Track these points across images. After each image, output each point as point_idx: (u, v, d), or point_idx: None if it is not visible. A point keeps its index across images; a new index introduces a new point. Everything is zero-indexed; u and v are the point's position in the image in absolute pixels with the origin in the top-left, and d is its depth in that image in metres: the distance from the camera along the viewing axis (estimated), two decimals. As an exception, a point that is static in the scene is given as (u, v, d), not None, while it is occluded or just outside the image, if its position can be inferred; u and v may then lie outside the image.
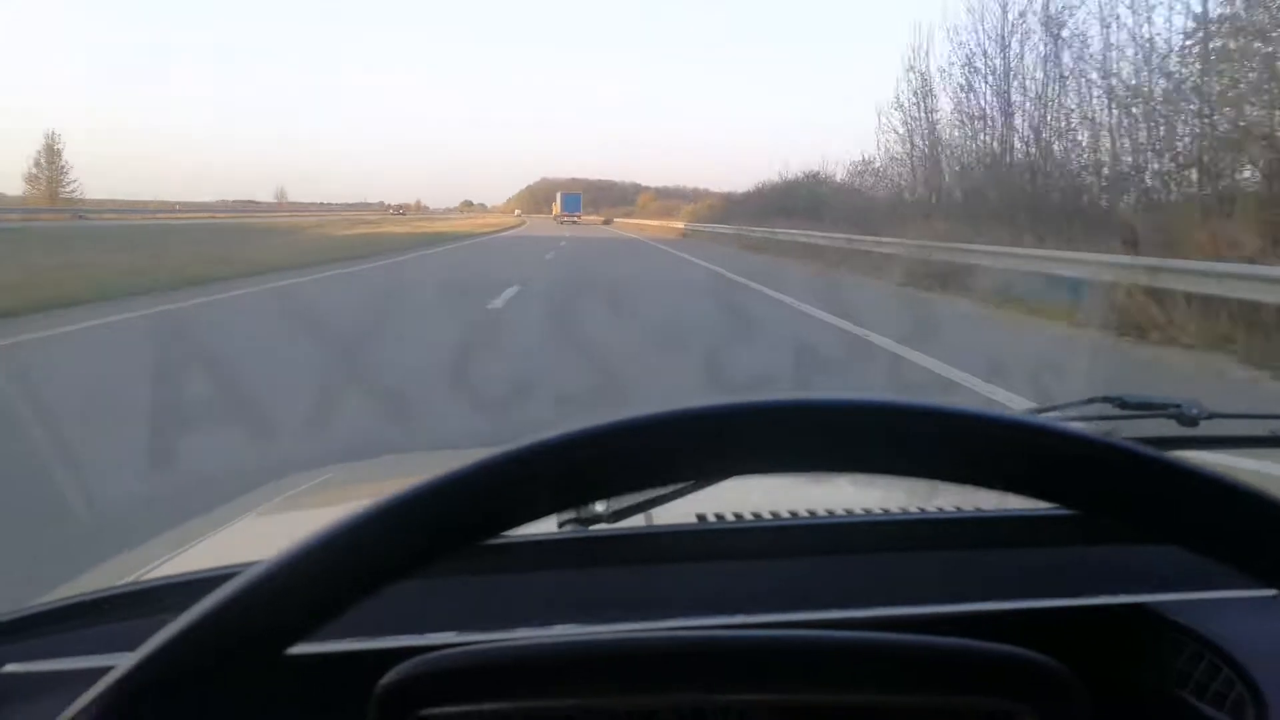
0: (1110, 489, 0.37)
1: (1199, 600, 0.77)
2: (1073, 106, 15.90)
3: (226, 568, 0.72)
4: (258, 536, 1.10)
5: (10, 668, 0.68)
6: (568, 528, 0.77)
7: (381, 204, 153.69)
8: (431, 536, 0.38)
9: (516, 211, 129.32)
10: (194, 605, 0.38)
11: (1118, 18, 14.35)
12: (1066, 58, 15.86)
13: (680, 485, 0.71)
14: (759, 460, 0.38)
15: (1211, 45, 12.13)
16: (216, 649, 0.37)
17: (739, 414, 0.37)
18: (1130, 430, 1.05)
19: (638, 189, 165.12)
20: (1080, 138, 15.78)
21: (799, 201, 27.86)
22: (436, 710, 0.53)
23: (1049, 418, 1.10)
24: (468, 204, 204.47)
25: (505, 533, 0.38)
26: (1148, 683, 0.77)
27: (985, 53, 18.32)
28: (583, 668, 0.54)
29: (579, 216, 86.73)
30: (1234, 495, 0.37)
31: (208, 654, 0.37)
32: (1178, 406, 1.00)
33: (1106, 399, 1.05)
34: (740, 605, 0.73)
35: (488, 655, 0.55)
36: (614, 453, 0.37)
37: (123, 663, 0.38)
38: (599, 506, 0.74)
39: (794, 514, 0.83)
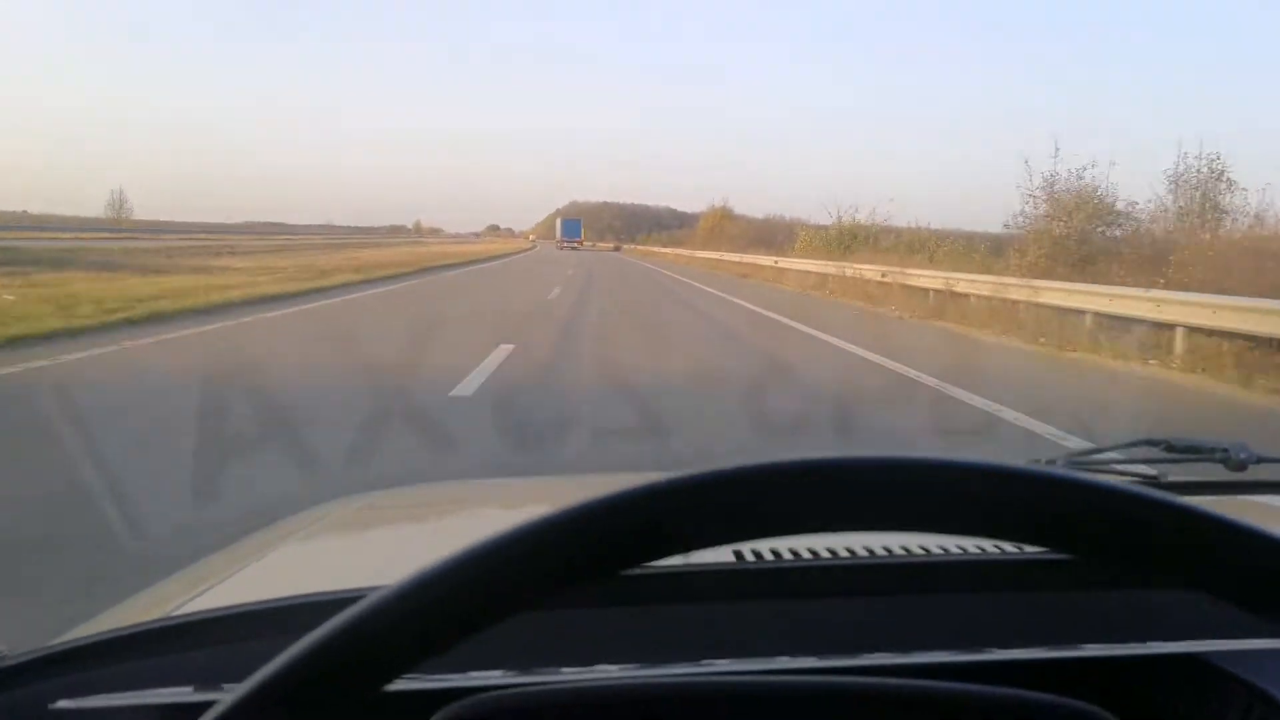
0: (1128, 536, 0.37)
1: (1249, 649, 0.74)
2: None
3: (267, 601, 0.73)
4: (300, 565, 1.07)
5: (62, 704, 0.66)
6: None
7: (389, 227, 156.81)
8: (577, 563, 0.36)
9: (531, 237, 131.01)
10: (304, 636, 0.36)
11: None
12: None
13: None
14: (870, 517, 0.38)
15: None
16: (324, 681, 0.36)
17: (866, 468, 0.37)
18: (1178, 474, 1.03)
19: (674, 215, 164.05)
20: None
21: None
22: None
23: (1096, 460, 1.08)
24: (494, 228, 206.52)
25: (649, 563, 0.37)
26: None
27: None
28: (635, 711, 0.53)
29: (579, 242, 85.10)
30: (1255, 540, 0.36)
31: (315, 687, 0.36)
32: (1225, 450, 0.99)
33: (1152, 442, 1.03)
34: (781, 647, 0.71)
35: (540, 698, 0.54)
36: (786, 491, 0.36)
37: (226, 697, 0.37)
38: None
39: (834, 553, 0.81)
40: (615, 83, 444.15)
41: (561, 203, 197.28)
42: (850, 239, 29.31)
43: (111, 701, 0.67)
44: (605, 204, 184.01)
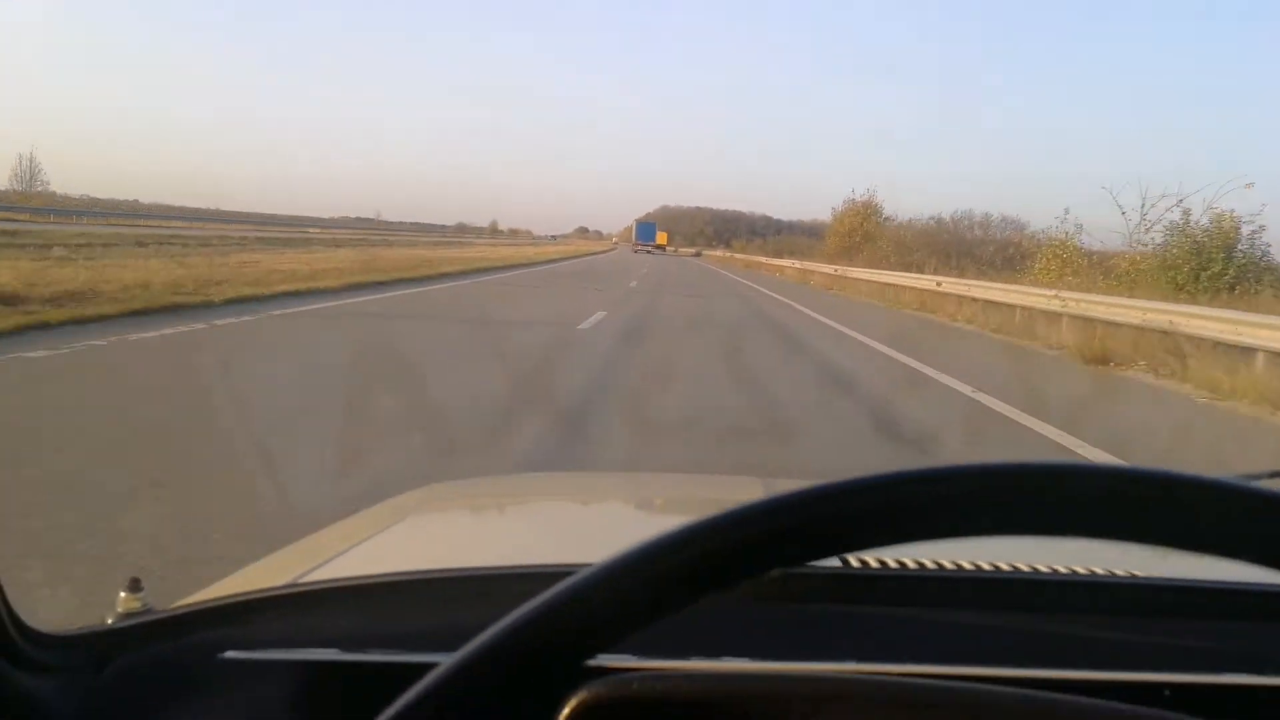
0: None
1: None
2: None
3: (404, 573, 0.79)
4: (417, 544, 1.18)
5: (230, 654, 0.70)
6: None
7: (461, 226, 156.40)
8: (774, 549, 0.39)
9: (614, 240, 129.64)
10: (514, 610, 0.38)
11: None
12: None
13: None
14: (1043, 520, 0.40)
15: None
16: (538, 649, 0.38)
17: (1039, 474, 0.38)
18: None
19: (769, 223, 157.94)
20: None
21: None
22: None
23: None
24: (583, 230, 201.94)
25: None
26: None
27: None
28: (778, 702, 0.53)
29: (652, 246, 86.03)
30: None
31: (530, 654, 0.39)
32: None
33: None
34: (905, 654, 0.72)
35: (677, 682, 0.55)
36: (978, 492, 0.39)
37: (445, 662, 0.39)
38: None
39: (997, 566, 0.81)
40: (717, 84, 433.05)
41: (653, 206, 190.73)
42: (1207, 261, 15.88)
43: (275, 655, 0.70)
44: (698, 209, 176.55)
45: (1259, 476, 0.97)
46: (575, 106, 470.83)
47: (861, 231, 38.52)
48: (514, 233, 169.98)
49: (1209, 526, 0.38)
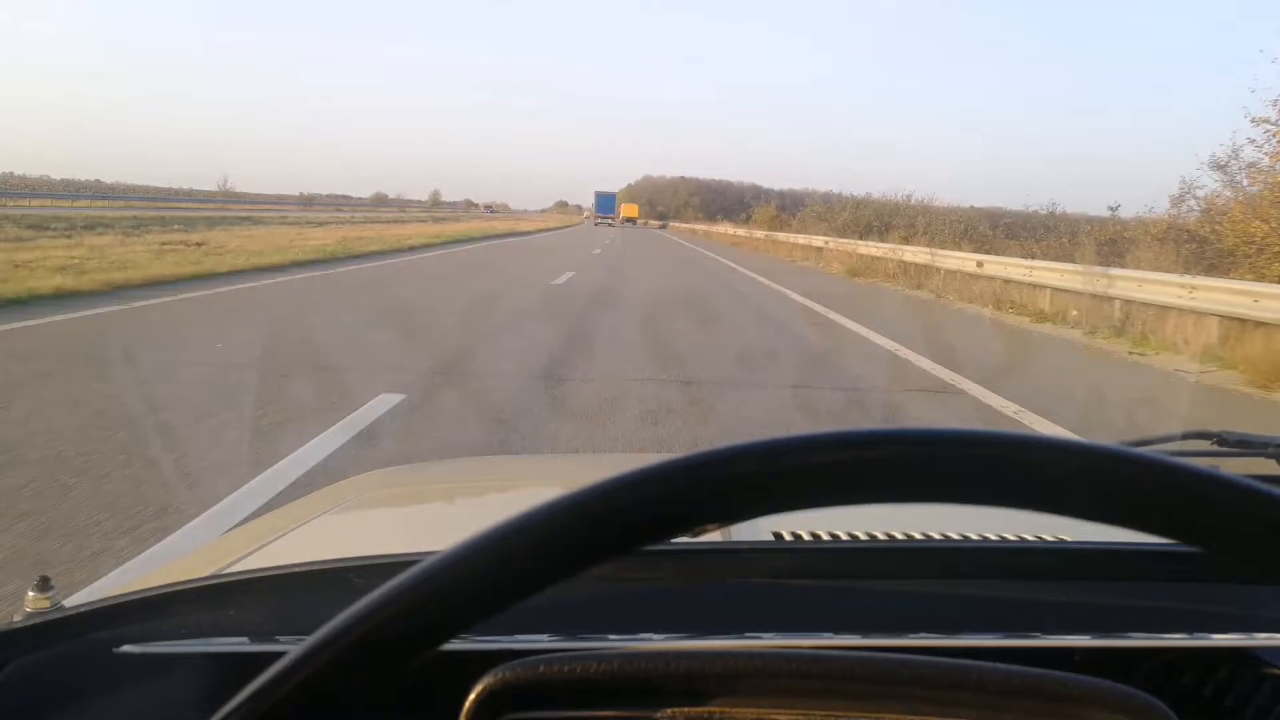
0: (1246, 530, 0.37)
1: None
2: None
3: (319, 562, 0.79)
4: (341, 534, 1.17)
5: (127, 648, 0.70)
6: None
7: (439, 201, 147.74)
8: (614, 535, 0.38)
9: (585, 214, 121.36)
10: (365, 596, 0.38)
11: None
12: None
13: None
14: (898, 489, 0.38)
15: None
16: (387, 636, 0.38)
17: (888, 441, 0.37)
18: (1227, 468, 0.91)
19: (758, 192, 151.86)
20: None
21: None
22: (528, 715, 0.53)
23: (1148, 451, 0.92)
24: (562, 204, 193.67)
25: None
26: None
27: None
28: (681, 680, 0.53)
29: (613, 219, 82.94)
30: None
31: (379, 641, 0.38)
32: (1279, 446, 1.00)
33: (1203, 435, 1.06)
34: (823, 625, 0.74)
35: (588, 661, 0.54)
36: (827, 465, 0.37)
37: (295, 647, 0.39)
38: None
39: (872, 536, 0.84)
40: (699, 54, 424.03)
41: (634, 178, 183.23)
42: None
43: (173, 648, 0.70)
44: (682, 179, 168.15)
45: (1166, 439, 1.03)
46: (555, 74, 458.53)
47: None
48: (488, 207, 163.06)
49: (1053, 487, 0.37)
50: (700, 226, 74.14)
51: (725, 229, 58.61)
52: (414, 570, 0.37)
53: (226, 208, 66.97)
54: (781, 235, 37.73)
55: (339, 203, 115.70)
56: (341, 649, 0.37)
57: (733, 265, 25.15)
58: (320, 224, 41.06)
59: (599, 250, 30.98)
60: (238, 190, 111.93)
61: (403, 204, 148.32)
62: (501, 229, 51.71)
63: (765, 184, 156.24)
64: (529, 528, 0.37)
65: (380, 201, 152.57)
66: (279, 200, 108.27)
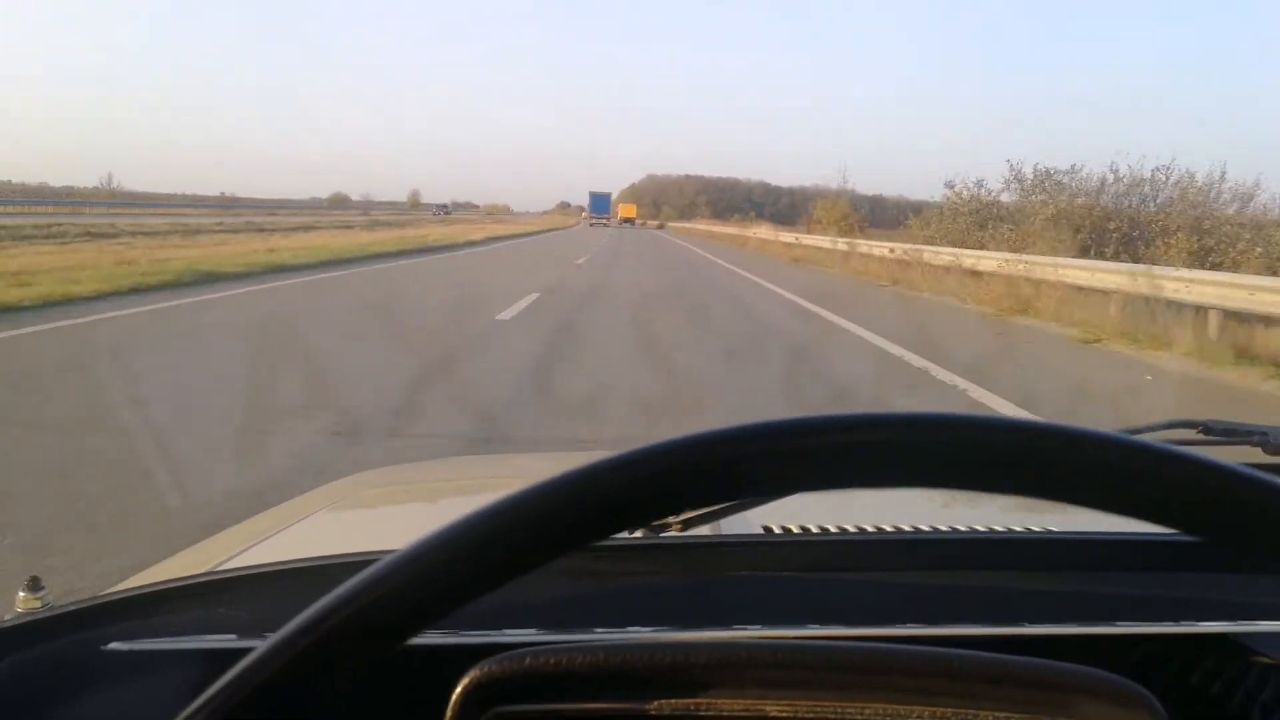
0: (1246, 519, 0.37)
1: None
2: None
3: (309, 559, 0.78)
4: (333, 531, 1.18)
5: (114, 646, 0.70)
6: (639, 534, 0.77)
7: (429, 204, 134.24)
8: (571, 527, 0.38)
9: (583, 215, 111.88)
10: (330, 592, 0.38)
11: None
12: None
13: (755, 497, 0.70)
14: (889, 474, 0.38)
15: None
16: (347, 635, 0.38)
17: (868, 425, 0.37)
18: (1215, 457, 0.97)
19: (766, 190, 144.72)
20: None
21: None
22: (515, 708, 0.53)
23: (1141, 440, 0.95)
24: (564, 205, 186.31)
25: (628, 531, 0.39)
26: (1231, 715, 0.75)
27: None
28: (667, 672, 0.53)
29: (608, 220, 79.91)
30: None
31: (339, 641, 0.38)
32: (1264, 434, 1.00)
33: (1188, 423, 1.05)
34: (810, 618, 0.74)
35: (573, 654, 0.54)
36: (767, 452, 0.37)
37: (263, 644, 0.39)
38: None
39: (861, 529, 0.84)
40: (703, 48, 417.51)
41: (637, 178, 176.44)
42: None
43: (161, 645, 0.70)
44: (688, 176, 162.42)
45: (1152, 428, 1.00)
46: (563, 73, 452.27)
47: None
48: (482, 208, 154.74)
49: (1065, 478, 0.37)
50: (718, 228, 58.04)
51: (763, 232, 42.43)
52: (371, 569, 0.37)
53: (114, 210, 54.05)
54: (864, 244, 23.50)
55: (278, 205, 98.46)
56: (301, 649, 0.37)
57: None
58: (158, 234, 26.30)
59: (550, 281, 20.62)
60: (126, 189, 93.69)
61: (367, 205, 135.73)
62: (448, 238, 34.58)
63: (774, 181, 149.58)
64: (474, 528, 0.37)
65: (339, 203, 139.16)
66: (195, 201, 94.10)
